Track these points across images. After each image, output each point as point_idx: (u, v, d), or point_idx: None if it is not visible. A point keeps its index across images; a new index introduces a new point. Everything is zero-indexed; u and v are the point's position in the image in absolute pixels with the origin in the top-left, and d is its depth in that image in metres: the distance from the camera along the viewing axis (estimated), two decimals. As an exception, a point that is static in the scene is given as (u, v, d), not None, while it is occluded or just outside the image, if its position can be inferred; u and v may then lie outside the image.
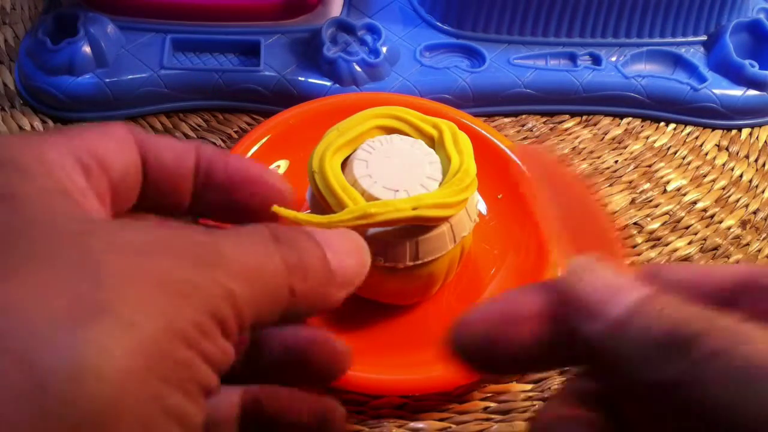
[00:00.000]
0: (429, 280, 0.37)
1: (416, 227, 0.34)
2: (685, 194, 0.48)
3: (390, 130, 0.37)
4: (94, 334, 0.16)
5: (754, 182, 0.49)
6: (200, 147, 0.24)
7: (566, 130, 0.51)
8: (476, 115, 0.48)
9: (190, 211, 0.25)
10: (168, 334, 0.17)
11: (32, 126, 0.48)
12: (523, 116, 0.52)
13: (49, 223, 0.18)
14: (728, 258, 0.45)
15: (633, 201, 0.48)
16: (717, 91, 0.52)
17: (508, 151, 0.44)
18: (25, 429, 0.15)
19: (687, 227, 0.47)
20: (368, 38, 0.51)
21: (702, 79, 0.52)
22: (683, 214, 0.47)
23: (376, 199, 0.34)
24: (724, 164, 0.50)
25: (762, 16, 0.55)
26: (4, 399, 0.15)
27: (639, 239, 0.46)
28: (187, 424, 0.18)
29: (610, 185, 0.48)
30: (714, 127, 0.52)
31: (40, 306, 0.16)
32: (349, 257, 0.23)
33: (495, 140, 0.45)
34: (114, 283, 0.17)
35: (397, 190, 0.34)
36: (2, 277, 0.17)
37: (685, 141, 0.51)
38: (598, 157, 0.50)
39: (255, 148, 0.43)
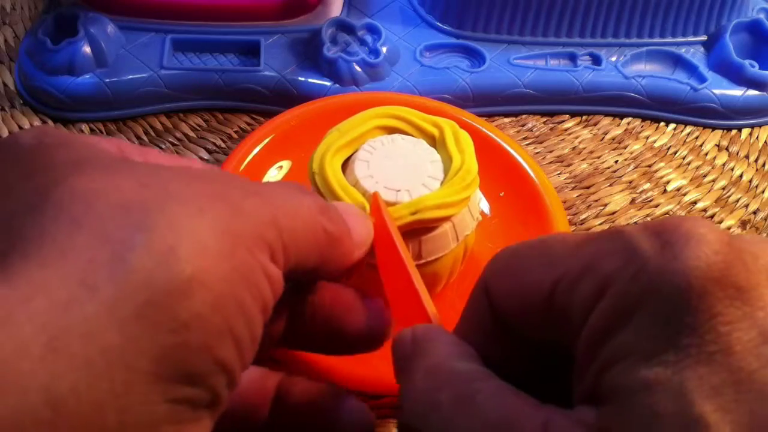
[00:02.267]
0: (432, 279, 0.37)
1: (419, 227, 0.34)
2: (685, 194, 0.48)
3: (391, 130, 0.37)
4: (167, 216, 0.17)
5: (754, 182, 0.49)
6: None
7: (566, 130, 0.51)
8: (476, 115, 0.48)
9: None
10: (232, 233, 0.18)
11: (32, 126, 0.47)
12: (523, 116, 0.52)
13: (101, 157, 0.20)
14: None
15: (633, 201, 0.48)
16: (717, 91, 0.52)
17: (510, 149, 0.44)
18: (108, 295, 0.16)
19: (687, 227, 0.47)
20: (368, 38, 0.51)
21: (702, 79, 0.52)
22: (683, 214, 0.47)
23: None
24: (724, 164, 0.50)
25: (762, 16, 0.55)
26: (89, 269, 0.16)
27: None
28: (249, 322, 0.19)
29: (610, 185, 0.48)
30: (714, 127, 0.52)
31: (110, 194, 0.18)
32: (356, 221, 0.25)
33: (496, 138, 0.45)
34: (178, 186, 0.18)
35: (399, 190, 0.34)
36: (68, 175, 0.18)
37: (685, 141, 0.51)
38: (598, 157, 0.50)
39: (257, 148, 0.43)
